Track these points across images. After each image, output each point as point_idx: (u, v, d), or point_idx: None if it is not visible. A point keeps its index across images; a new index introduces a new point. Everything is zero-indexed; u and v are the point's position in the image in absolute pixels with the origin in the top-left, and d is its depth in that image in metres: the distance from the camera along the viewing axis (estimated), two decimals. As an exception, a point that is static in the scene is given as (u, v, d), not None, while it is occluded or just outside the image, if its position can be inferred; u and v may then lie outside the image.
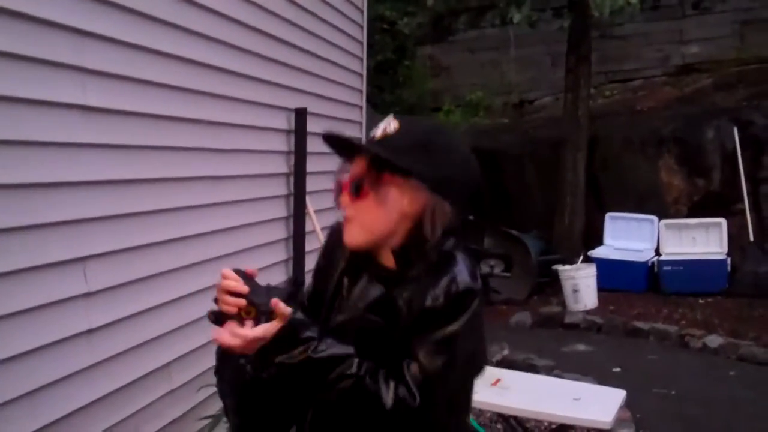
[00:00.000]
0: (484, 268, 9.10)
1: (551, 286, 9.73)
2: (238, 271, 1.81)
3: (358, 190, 1.83)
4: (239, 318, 1.76)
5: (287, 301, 1.80)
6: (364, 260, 1.91)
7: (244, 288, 1.77)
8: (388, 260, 1.88)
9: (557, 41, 11.58)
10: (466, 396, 1.94)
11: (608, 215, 10.31)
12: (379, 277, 1.88)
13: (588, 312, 8.93)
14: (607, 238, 10.25)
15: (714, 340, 7.64)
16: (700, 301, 9.11)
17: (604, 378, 6.13)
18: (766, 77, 11.01)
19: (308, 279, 2.11)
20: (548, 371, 6.47)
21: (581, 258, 9.65)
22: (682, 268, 9.40)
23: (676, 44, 13.07)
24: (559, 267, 9.39)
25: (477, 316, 1.79)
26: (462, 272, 1.78)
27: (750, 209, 9.65)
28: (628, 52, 13.09)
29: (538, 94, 13.87)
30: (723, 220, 9.55)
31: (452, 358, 1.75)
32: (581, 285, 9.07)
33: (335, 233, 2.04)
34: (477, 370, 1.91)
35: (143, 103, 3.69)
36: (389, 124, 1.84)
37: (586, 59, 10.78)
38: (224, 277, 1.79)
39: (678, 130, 10.52)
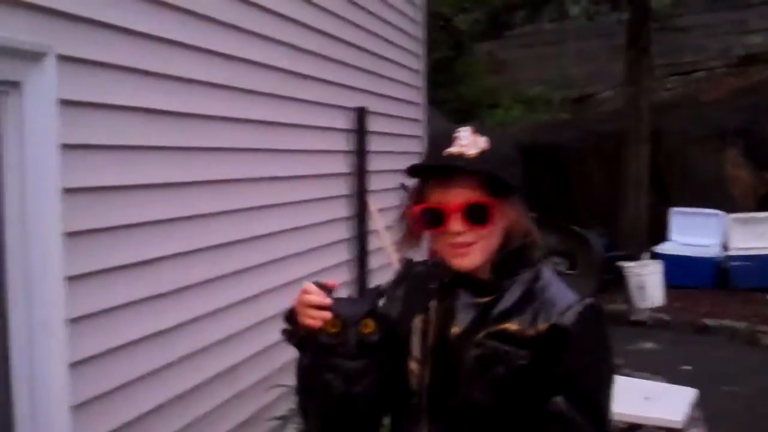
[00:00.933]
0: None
1: (616, 284, 9.58)
2: (318, 284, 1.76)
3: (484, 218, 1.73)
4: (324, 332, 1.72)
5: (372, 312, 1.77)
6: (458, 278, 1.82)
7: (328, 300, 1.72)
8: (482, 272, 1.80)
9: (616, 34, 11.43)
10: None
11: (673, 210, 10.14)
12: (480, 290, 1.80)
13: (654, 309, 8.78)
14: (673, 233, 10.07)
15: (786, 337, 7.47)
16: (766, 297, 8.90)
17: (673, 376, 6.02)
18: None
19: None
20: (617, 370, 6.36)
21: (647, 254, 9.48)
22: (750, 263, 9.19)
23: (738, 35, 12.80)
24: (624, 264, 9.24)
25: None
26: (567, 288, 1.80)
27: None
28: (689, 43, 12.86)
29: (598, 88, 13.70)
30: (789, 214, 9.34)
31: (610, 379, 1.77)
32: (647, 282, 8.92)
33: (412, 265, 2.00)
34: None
35: (206, 105, 3.71)
36: (477, 140, 1.74)
37: (646, 52, 10.61)
38: (305, 291, 1.75)
39: (743, 122, 10.31)
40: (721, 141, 10.38)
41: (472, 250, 1.76)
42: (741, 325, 7.96)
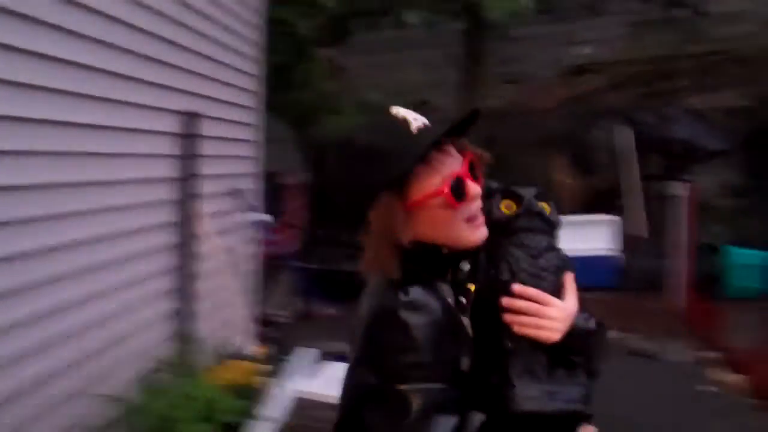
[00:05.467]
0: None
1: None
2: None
3: (481, 168, 1.65)
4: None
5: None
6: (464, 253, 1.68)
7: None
8: None
9: (454, 43, 11.72)
10: None
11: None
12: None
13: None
14: (503, 236, 10.38)
15: (604, 335, 7.82)
16: (591, 296, 9.27)
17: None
18: (658, 77, 11.34)
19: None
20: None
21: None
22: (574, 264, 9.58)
23: (569, 46, 13.35)
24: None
25: None
26: None
27: (640, 207, 9.91)
28: (523, 53, 13.32)
29: (434, 95, 14.00)
30: (613, 217, 9.80)
31: None
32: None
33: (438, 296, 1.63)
34: None
35: (23, 107, 3.59)
36: (416, 117, 1.58)
37: (480, 61, 10.94)
38: None
39: (570, 130, 10.76)
40: (550, 147, 10.79)
41: (482, 217, 1.65)
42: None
